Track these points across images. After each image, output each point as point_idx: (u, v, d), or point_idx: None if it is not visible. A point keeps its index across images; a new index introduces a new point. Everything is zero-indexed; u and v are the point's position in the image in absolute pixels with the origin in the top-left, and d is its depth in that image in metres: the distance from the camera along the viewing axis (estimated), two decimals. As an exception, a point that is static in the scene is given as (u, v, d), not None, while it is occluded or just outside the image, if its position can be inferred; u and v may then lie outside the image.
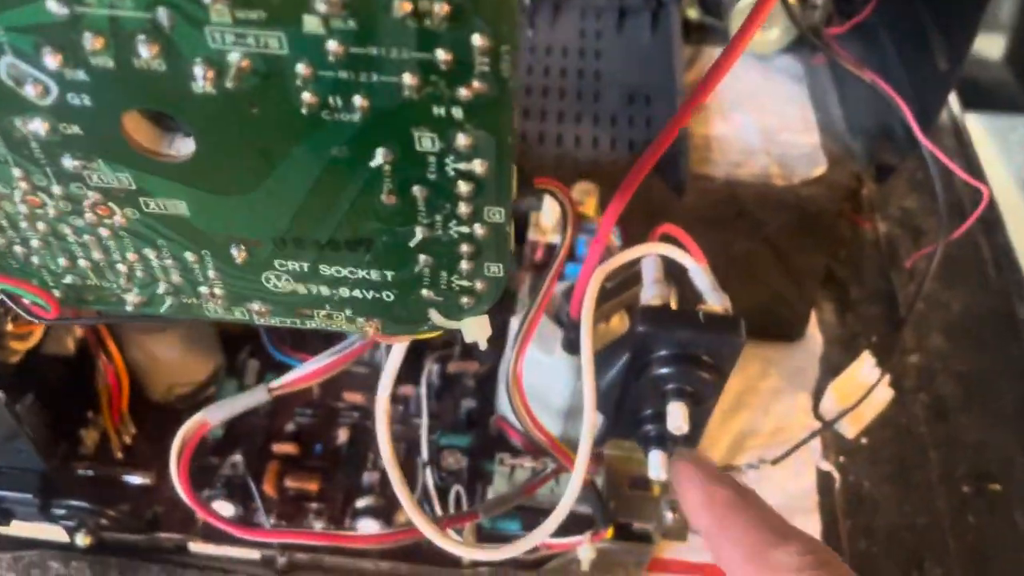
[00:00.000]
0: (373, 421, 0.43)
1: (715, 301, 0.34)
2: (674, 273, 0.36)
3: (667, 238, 0.37)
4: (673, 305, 0.36)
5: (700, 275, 0.35)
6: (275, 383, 0.32)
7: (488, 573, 0.40)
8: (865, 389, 0.45)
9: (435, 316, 0.23)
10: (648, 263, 0.35)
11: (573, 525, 0.38)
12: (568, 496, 0.32)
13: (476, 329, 0.23)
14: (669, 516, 0.38)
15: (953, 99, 0.59)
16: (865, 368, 0.47)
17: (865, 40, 0.58)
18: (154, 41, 0.17)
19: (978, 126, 0.81)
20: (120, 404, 0.42)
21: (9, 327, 0.39)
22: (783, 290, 0.51)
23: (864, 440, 0.45)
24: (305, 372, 0.32)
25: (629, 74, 0.61)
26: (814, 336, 0.50)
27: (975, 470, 0.44)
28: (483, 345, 0.23)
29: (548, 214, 0.46)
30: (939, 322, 0.50)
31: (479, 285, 0.22)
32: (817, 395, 0.47)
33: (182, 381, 0.44)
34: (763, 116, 0.58)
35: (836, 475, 0.44)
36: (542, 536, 0.29)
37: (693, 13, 0.62)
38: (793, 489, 0.44)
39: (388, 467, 0.29)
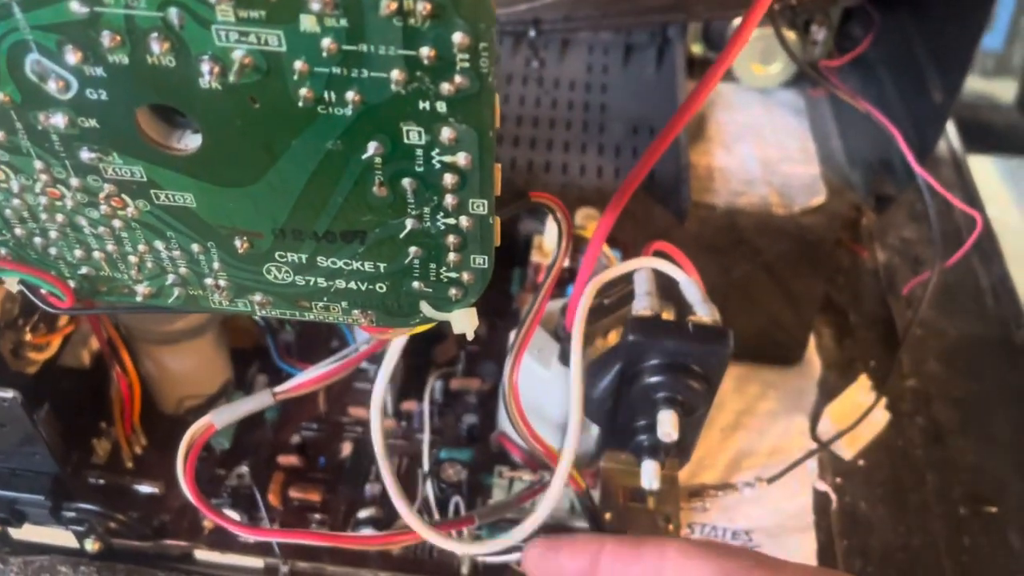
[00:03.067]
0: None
1: (704, 312, 0.35)
2: (671, 291, 0.38)
3: (660, 254, 0.39)
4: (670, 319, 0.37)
5: (690, 287, 0.36)
6: (279, 388, 0.34)
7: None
8: (862, 411, 0.46)
9: (425, 308, 0.24)
10: (640, 276, 0.37)
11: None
12: (549, 498, 0.33)
13: (464, 320, 0.24)
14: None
15: (952, 131, 0.61)
16: (862, 391, 0.48)
17: (863, 74, 0.59)
18: (165, 39, 0.19)
19: (989, 168, 0.82)
20: (132, 415, 0.44)
21: (27, 337, 0.41)
22: (782, 315, 0.52)
23: (860, 461, 0.46)
24: (308, 378, 0.34)
25: (634, 107, 0.63)
26: (812, 360, 0.50)
27: (971, 492, 0.45)
28: (470, 336, 0.25)
29: (551, 237, 0.47)
30: (936, 348, 0.51)
31: (466, 276, 0.23)
32: (814, 418, 0.48)
33: (193, 394, 0.45)
34: (764, 148, 0.60)
35: (832, 495, 0.44)
36: (532, 526, 0.30)
37: (697, 48, 0.64)
38: (789, 508, 0.44)
39: (379, 459, 0.30)
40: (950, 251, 0.49)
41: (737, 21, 0.60)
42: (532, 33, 0.57)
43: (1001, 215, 0.75)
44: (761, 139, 0.60)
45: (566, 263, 0.45)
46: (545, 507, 0.31)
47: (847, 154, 0.59)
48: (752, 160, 0.59)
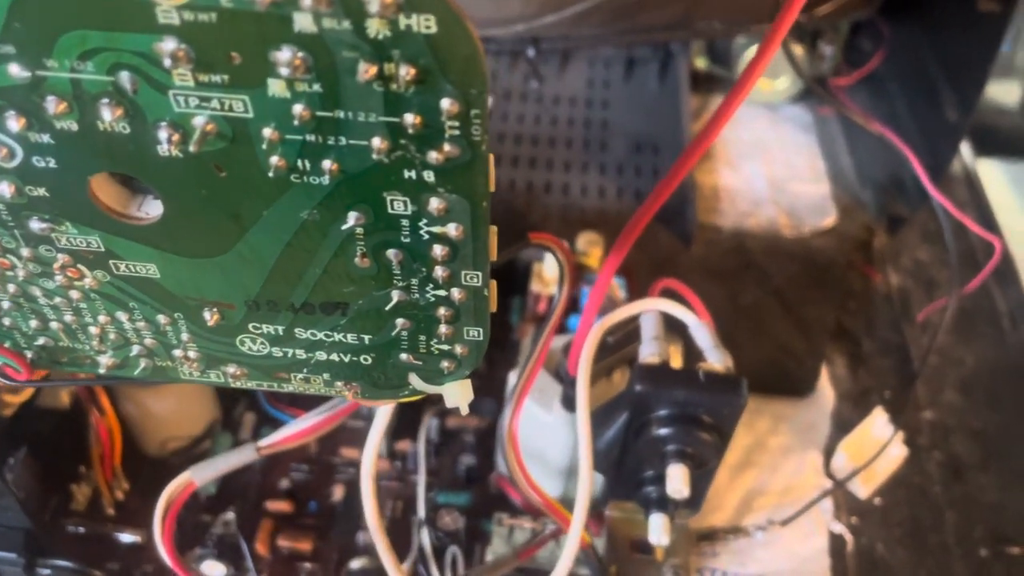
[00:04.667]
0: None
1: (716, 359, 0.33)
2: (680, 328, 0.36)
3: (668, 292, 0.36)
4: (679, 360, 0.35)
5: (701, 332, 0.34)
6: (263, 442, 0.32)
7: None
8: (878, 446, 0.43)
9: (415, 380, 0.22)
10: (647, 319, 0.35)
11: (573, 590, 0.36)
12: (565, 559, 0.31)
13: (458, 393, 0.22)
14: (672, 582, 0.37)
15: (965, 149, 0.59)
16: (878, 425, 0.46)
17: (873, 91, 0.57)
18: (117, 105, 0.16)
19: (994, 173, 0.80)
20: (112, 459, 0.42)
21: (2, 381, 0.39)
22: (792, 343, 0.50)
23: (877, 500, 0.44)
24: (294, 431, 0.32)
25: (636, 124, 0.61)
26: (825, 391, 0.48)
27: (993, 532, 0.42)
28: (464, 411, 0.23)
29: (551, 265, 0.45)
30: (953, 377, 0.48)
31: (459, 349, 0.21)
32: (828, 452, 0.46)
33: (176, 435, 0.43)
34: (771, 166, 0.58)
35: (848, 537, 0.42)
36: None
37: (701, 63, 0.62)
38: (804, 552, 0.42)
39: (373, 532, 0.28)
40: (966, 273, 0.47)
41: (740, 39, 0.58)
42: (531, 53, 0.55)
43: (1009, 222, 0.73)
44: (768, 157, 0.58)
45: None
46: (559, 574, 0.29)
47: (857, 172, 0.57)
48: (759, 179, 0.57)
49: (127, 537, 0.41)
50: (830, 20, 0.55)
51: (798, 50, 0.56)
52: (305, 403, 0.42)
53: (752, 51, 0.56)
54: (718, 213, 0.55)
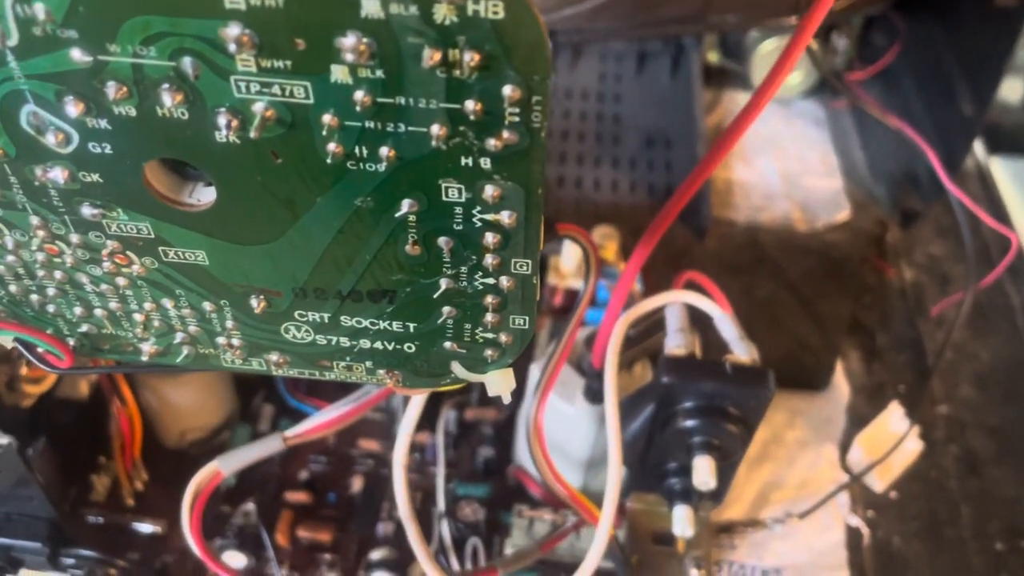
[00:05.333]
0: (389, 469, 0.42)
1: (741, 351, 0.33)
2: (698, 319, 0.36)
3: (691, 285, 0.37)
4: (697, 353, 0.35)
5: (726, 324, 0.34)
6: (290, 432, 0.32)
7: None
8: (894, 440, 0.44)
9: (458, 369, 0.22)
10: (672, 311, 0.35)
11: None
12: (594, 552, 0.31)
13: (500, 382, 0.22)
14: (694, 573, 0.37)
15: (978, 144, 0.59)
16: (894, 419, 0.46)
17: (888, 85, 0.57)
18: (178, 90, 0.16)
19: (1002, 170, 0.81)
20: (133, 450, 0.42)
21: (24, 371, 0.39)
22: (807, 337, 0.50)
23: (893, 494, 0.44)
24: (321, 421, 0.32)
25: (649, 118, 0.61)
26: (840, 385, 0.49)
27: (1009, 526, 0.43)
28: (507, 399, 0.23)
29: (568, 258, 0.45)
30: (969, 372, 0.49)
31: (504, 338, 0.21)
32: (844, 446, 0.46)
33: (196, 426, 0.43)
34: (785, 161, 0.58)
35: (865, 530, 0.43)
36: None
37: (714, 57, 0.62)
38: (820, 545, 0.42)
39: (406, 523, 0.29)
40: (980, 269, 0.48)
41: (753, 33, 0.58)
42: (547, 45, 0.55)
43: (1019, 219, 0.73)
44: (781, 151, 0.58)
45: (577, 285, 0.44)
46: (587, 568, 0.29)
47: (871, 167, 0.58)
48: (773, 174, 0.57)
49: (146, 527, 0.41)
50: (845, 15, 0.55)
51: (812, 44, 0.56)
52: (326, 393, 0.42)
53: (768, 45, 0.56)
54: (732, 207, 0.55)
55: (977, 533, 0.43)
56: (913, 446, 0.45)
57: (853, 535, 0.43)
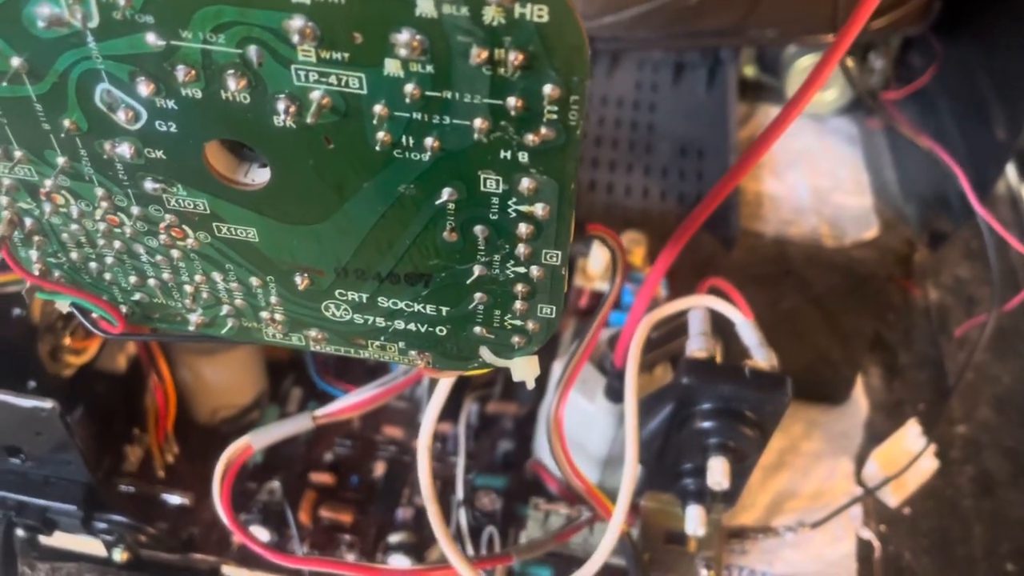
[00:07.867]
0: (411, 456, 0.44)
1: (761, 357, 0.34)
2: (720, 327, 0.36)
3: (715, 291, 0.37)
4: (718, 358, 0.36)
5: (748, 330, 0.35)
6: (320, 411, 0.33)
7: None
8: (910, 457, 0.44)
9: (485, 353, 0.23)
10: (695, 315, 0.35)
11: (606, 577, 0.37)
12: (604, 546, 0.32)
13: (525, 368, 0.23)
14: (705, 573, 0.38)
15: (1010, 169, 0.59)
16: (911, 436, 0.46)
17: (922, 106, 0.58)
18: (242, 76, 0.18)
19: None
20: (166, 423, 0.43)
21: (67, 341, 0.40)
22: (830, 351, 0.50)
23: (906, 510, 0.44)
24: (350, 403, 0.33)
25: (683, 128, 0.61)
26: (859, 400, 0.49)
27: (1020, 548, 0.43)
28: (531, 384, 0.24)
29: (595, 261, 0.46)
30: (988, 394, 0.49)
31: (531, 325, 0.22)
32: (860, 461, 0.46)
33: (227, 404, 0.44)
34: (816, 176, 0.59)
35: (876, 544, 0.43)
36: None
37: (750, 71, 0.62)
38: (831, 556, 0.43)
39: (427, 502, 0.30)
40: (1006, 293, 0.48)
41: (791, 49, 0.59)
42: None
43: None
44: (813, 167, 0.59)
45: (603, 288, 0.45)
46: (596, 560, 0.30)
47: (901, 187, 0.58)
48: (803, 188, 0.58)
49: (175, 499, 0.42)
50: (883, 34, 0.56)
51: (849, 62, 0.57)
52: (355, 377, 0.43)
53: (805, 60, 0.57)
54: (761, 220, 0.56)
55: (988, 553, 0.43)
56: (929, 464, 0.46)
57: (864, 548, 0.43)
